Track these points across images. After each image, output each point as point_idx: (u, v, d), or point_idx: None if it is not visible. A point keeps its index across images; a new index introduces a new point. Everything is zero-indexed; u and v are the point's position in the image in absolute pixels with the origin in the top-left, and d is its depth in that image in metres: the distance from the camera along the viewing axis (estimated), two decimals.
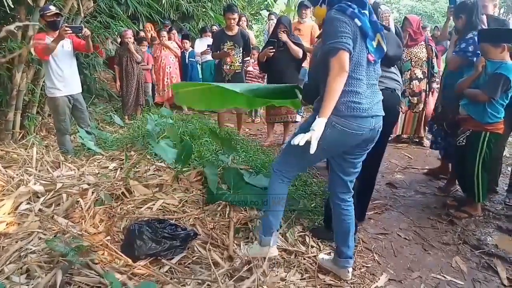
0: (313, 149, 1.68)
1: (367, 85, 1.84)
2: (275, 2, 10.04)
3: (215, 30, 7.03)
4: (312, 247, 2.46)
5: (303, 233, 2.59)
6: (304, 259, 2.31)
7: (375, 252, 2.51)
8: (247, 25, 6.47)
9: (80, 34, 3.64)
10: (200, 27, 8.08)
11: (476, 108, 2.88)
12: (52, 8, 3.71)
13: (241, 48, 4.83)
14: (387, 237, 2.75)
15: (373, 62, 1.85)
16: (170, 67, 6.50)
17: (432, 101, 4.74)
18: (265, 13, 10.04)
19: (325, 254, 2.37)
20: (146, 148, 3.87)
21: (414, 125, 4.96)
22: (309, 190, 3.22)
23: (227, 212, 2.70)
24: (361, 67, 1.80)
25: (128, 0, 6.40)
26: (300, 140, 1.69)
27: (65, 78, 3.79)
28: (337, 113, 1.76)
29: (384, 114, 1.93)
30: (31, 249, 2.15)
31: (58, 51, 3.66)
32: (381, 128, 1.93)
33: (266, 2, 9.87)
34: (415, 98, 4.79)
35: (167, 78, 6.48)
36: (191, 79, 6.89)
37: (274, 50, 4.40)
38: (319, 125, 1.71)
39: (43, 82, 4.00)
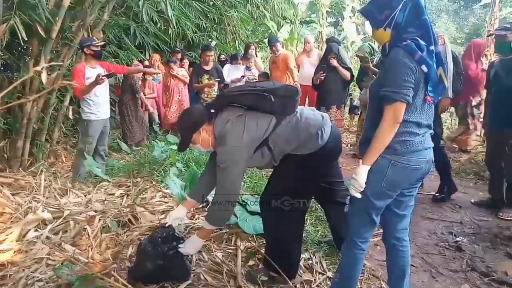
0: (358, 195, 1.74)
1: (422, 125, 1.77)
2: (278, 31, 10.27)
3: (223, 59, 7.25)
4: (319, 273, 2.44)
5: (310, 261, 2.57)
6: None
7: (382, 280, 2.48)
8: (255, 53, 6.72)
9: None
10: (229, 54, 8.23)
11: None
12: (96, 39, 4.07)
13: (216, 80, 5.65)
14: None
15: (432, 102, 1.78)
16: (179, 95, 6.68)
17: None
18: None
19: None
20: (152, 174, 3.91)
21: None
22: (314, 216, 3.22)
23: (233, 239, 2.70)
24: (418, 110, 1.74)
25: (136, 31, 6.61)
26: (354, 192, 1.75)
27: (100, 104, 4.07)
28: (393, 152, 1.72)
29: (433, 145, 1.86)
30: (38, 277, 2.16)
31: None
32: (433, 160, 1.85)
33: (269, 31, 10.09)
34: None
35: (175, 106, 6.66)
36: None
37: (324, 74, 5.15)
38: (362, 172, 1.72)
39: (75, 106, 4.46)
